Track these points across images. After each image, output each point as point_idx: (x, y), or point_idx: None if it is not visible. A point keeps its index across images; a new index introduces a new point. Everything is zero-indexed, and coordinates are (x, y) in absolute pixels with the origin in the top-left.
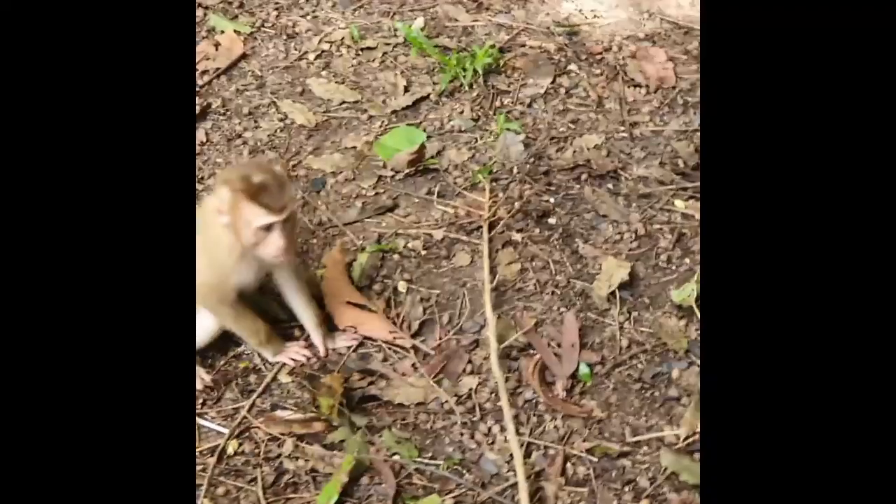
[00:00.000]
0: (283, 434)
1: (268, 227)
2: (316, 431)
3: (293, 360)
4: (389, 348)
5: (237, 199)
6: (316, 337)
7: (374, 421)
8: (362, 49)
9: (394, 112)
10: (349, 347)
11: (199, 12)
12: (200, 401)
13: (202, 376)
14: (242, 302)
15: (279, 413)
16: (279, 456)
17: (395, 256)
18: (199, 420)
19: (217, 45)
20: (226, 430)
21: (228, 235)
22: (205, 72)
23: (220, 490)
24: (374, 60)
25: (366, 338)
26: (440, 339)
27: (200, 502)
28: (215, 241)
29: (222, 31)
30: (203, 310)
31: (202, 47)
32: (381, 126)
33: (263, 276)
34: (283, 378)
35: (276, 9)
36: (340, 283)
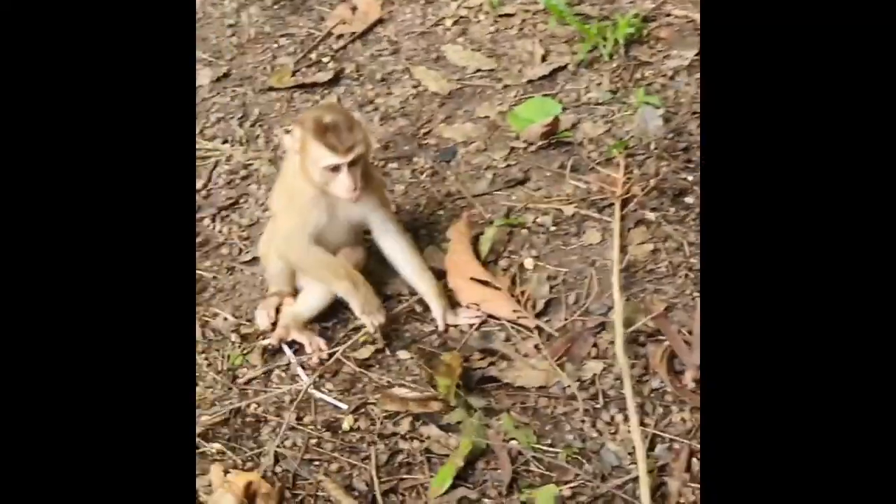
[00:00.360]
0: (399, 412)
1: (334, 168)
2: (433, 411)
3: (374, 324)
4: (512, 327)
5: (306, 138)
6: (436, 309)
7: (492, 403)
8: (500, 16)
9: (530, 82)
10: (470, 325)
11: None
12: (318, 374)
13: (321, 346)
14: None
15: (396, 390)
16: (394, 434)
17: (524, 231)
18: (315, 392)
19: (354, 8)
20: (343, 405)
21: (302, 175)
22: (340, 36)
23: (334, 466)
24: (512, 28)
25: (489, 316)
26: (565, 319)
27: (315, 476)
28: (291, 181)
29: None
30: (303, 274)
31: (339, 11)
32: (515, 96)
33: (351, 228)
34: (402, 354)
35: None
36: (465, 257)
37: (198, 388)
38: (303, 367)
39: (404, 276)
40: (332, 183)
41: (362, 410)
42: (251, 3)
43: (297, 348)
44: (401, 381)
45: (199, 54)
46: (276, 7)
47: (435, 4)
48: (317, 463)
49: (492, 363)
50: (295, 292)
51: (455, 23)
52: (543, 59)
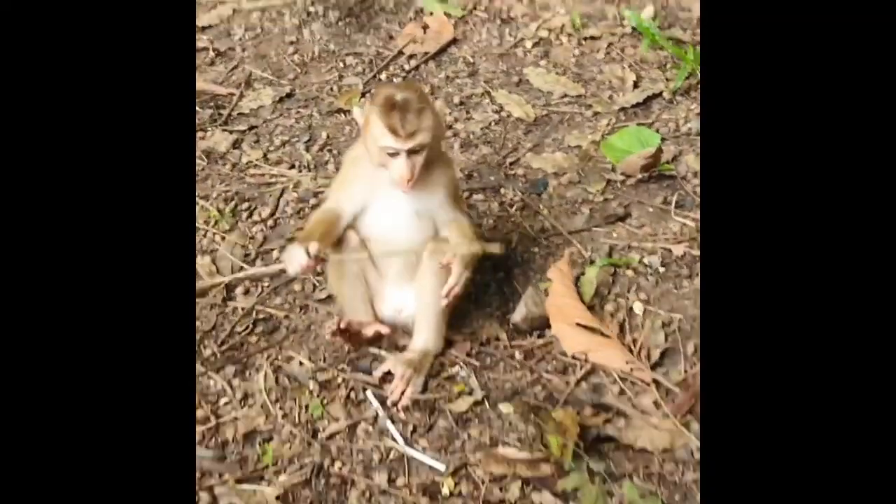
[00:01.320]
0: (505, 475)
1: (393, 153)
2: (544, 475)
3: (296, 269)
4: (626, 380)
5: (371, 113)
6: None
7: (611, 466)
8: (585, 38)
9: (622, 109)
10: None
11: None
12: (411, 427)
13: (410, 396)
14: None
15: (501, 450)
16: (503, 501)
17: (629, 272)
18: (408, 450)
19: (425, 27)
20: (440, 466)
21: (364, 150)
22: (412, 56)
23: None
24: (598, 51)
25: (596, 365)
26: (685, 371)
27: None
28: (353, 154)
29: (431, 13)
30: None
31: (409, 29)
32: (607, 124)
33: (417, 225)
34: (504, 407)
35: None
36: (569, 301)
37: (273, 443)
38: (392, 421)
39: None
40: (389, 167)
41: (463, 472)
42: (314, 20)
43: (382, 389)
44: (504, 438)
45: (258, 73)
46: (340, 24)
47: (512, 25)
48: None
49: (607, 420)
50: (375, 317)
51: (535, 45)
52: (636, 85)
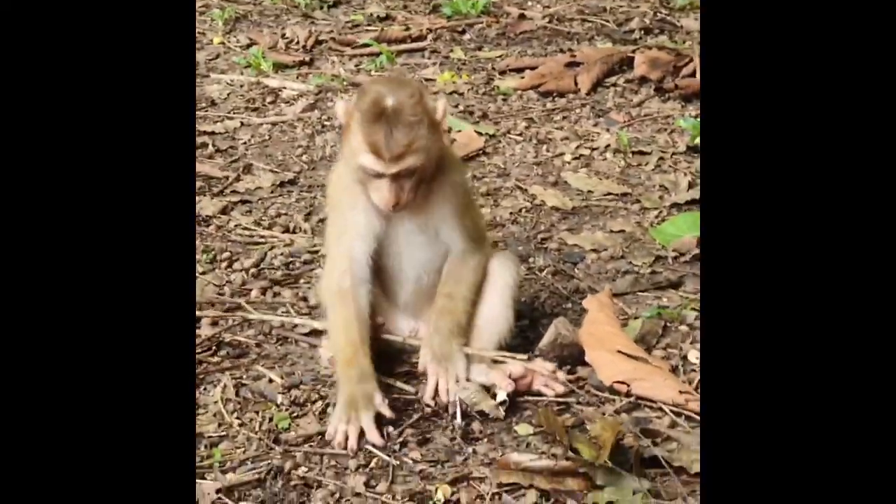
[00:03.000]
0: (519, 484)
1: (376, 174)
2: (570, 489)
3: (343, 434)
4: (678, 414)
5: (353, 117)
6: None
7: (657, 486)
8: (635, 152)
9: (674, 205)
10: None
11: None
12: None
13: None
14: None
15: (515, 456)
16: None
17: (683, 327)
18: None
19: (453, 140)
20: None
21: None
22: None
23: None
24: (646, 164)
25: (640, 398)
26: None
27: None
28: (340, 168)
29: (459, 131)
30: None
31: None
32: (657, 217)
33: (432, 245)
34: (521, 429)
35: (526, 119)
36: (609, 328)
37: (222, 445)
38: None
39: None
40: (370, 186)
41: (464, 483)
42: (328, 130)
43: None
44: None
45: (259, 164)
46: None
47: (551, 143)
48: None
49: (655, 443)
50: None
51: (576, 158)
52: (690, 186)
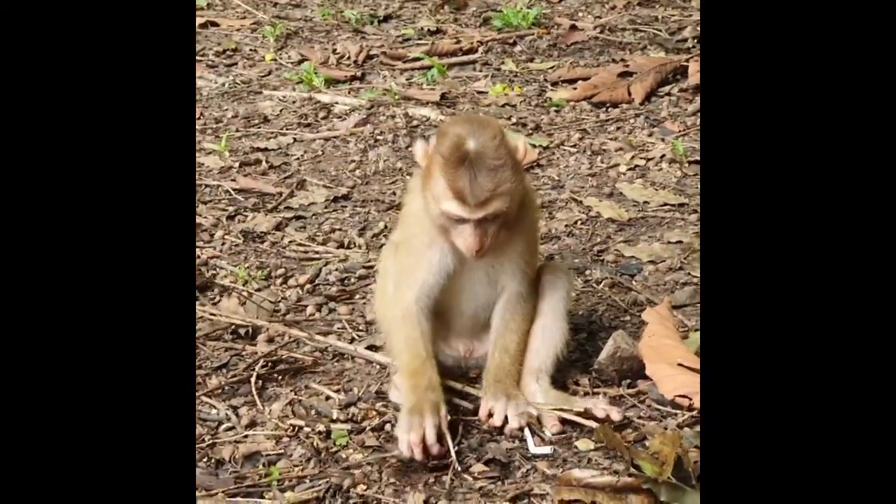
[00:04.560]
0: (582, 501)
1: (460, 220)
2: None
3: (413, 445)
4: None
5: (435, 163)
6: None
7: None
8: (691, 162)
9: None
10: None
11: None
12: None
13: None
14: (430, 333)
15: (577, 472)
16: None
17: None
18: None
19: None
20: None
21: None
22: None
23: None
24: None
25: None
26: None
27: None
28: (412, 204)
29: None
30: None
31: None
32: None
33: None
34: (582, 444)
35: (580, 130)
36: (669, 341)
37: (280, 463)
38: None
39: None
40: (453, 231)
41: (525, 500)
42: (381, 145)
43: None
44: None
45: (313, 180)
46: (409, 149)
47: (605, 155)
48: None
49: None
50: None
51: (631, 169)
52: None
